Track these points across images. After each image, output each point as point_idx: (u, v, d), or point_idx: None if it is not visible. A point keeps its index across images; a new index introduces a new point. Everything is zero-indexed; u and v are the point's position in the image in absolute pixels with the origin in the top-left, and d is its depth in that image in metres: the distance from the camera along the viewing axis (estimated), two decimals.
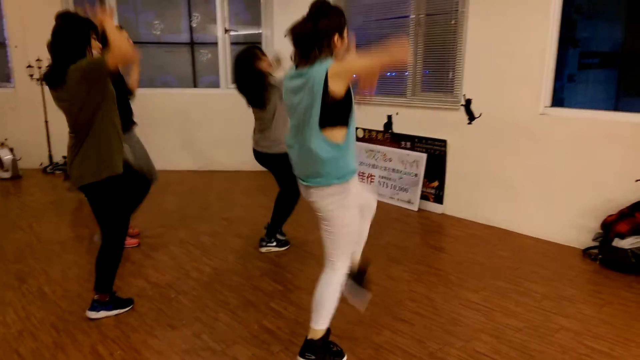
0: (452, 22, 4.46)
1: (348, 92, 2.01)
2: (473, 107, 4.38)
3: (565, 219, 3.90)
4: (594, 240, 3.66)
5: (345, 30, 2.08)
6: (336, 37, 2.04)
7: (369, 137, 5.32)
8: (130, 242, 3.80)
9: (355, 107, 2.07)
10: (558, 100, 4.13)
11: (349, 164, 2.12)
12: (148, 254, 3.76)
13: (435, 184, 4.77)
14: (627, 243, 3.34)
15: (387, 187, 5.11)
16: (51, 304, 2.98)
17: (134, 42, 6.19)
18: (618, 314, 2.86)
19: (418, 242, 4.09)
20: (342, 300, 2.99)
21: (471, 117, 4.41)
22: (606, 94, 5.37)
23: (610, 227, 3.45)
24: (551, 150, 3.92)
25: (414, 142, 4.90)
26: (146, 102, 6.40)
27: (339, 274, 2.30)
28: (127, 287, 3.20)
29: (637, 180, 3.49)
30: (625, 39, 5.00)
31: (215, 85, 6.54)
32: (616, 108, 4.90)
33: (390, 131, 5.13)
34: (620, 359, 2.44)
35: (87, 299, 2.97)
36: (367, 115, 5.26)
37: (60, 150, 6.45)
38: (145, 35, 6.75)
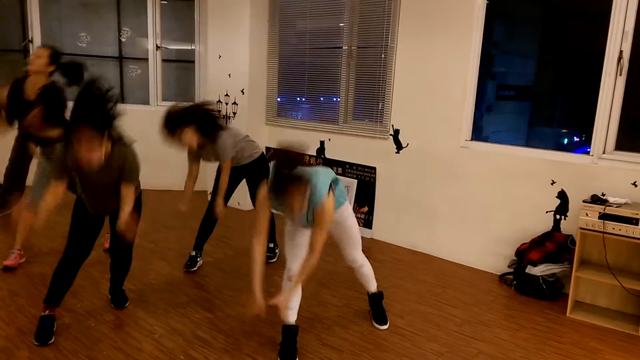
0: (382, 55, 4.66)
1: None
2: (401, 137, 4.57)
3: (483, 246, 4.14)
4: (509, 266, 3.91)
5: None
6: None
7: (303, 161, 5.36)
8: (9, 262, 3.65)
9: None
10: (477, 128, 4.41)
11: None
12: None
13: (365, 209, 4.90)
14: (538, 270, 3.59)
15: None
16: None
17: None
18: (530, 339, 3.06)
19: (347, 267, 4.16)
20: (273, 325, 2.98)
21: (399, 147, 4.60)
22: (520, 123, 5.79)
23: (523, 254, 3.70)
24: (470, 181, 4.17)
25: (346, 168, 5.02)
26: (68, 115, 6.10)
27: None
28: (40, 313, 2.99)
29: (547, 212, 3.79)
30: (537, 74, 5.43)
31: (145, 102, 6.36)
32: (529, 136, 5.30)
33: (322, 156, 5.22)
34: None
35: None
36: (301, 139, 5.31)
37: None
38: (70, 46, 6.45)
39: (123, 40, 6.53)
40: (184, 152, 3.72)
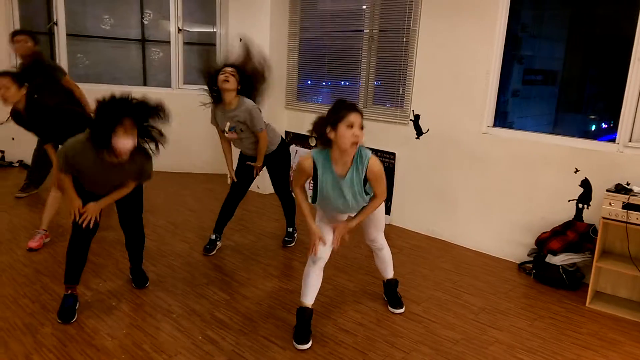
0: (404, 39, 4.58)
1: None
2: (421, 122, 4.52)
3: (503, 234, 4.09)
4: (528, 255, 3.86)
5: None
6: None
7: None
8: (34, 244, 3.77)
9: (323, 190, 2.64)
10: (502, 114, 4.33)
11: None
12: (88, 258, 3.63)
13: None
14: (558, 260, 3.54)
15: None
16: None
17: (80, 35, 6.02)
18: (548, 328, 3.03)
19: (365, 253, 4.16)
20: (289, 310, 3.02)
21: (419, 132, 4.55)
22: (547, 108, 5.66)
23: (543, 243, 3.65)
24: (491, 168, 4.11)
25: None
26: (92, 97, 6.20)
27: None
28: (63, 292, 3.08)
29: (569, 200, 3.72)
30: (566, 58, 5.30)
31: (167, 84, 6.41)
32: (555, 122, 5.19)
33: None
34: None
35: (22, 305, 2.85)
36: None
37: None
38: (94, 28, 6.52)
39: (146, 23, 6.57)
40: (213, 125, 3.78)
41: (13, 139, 6.01)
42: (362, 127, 2.44)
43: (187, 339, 2.69)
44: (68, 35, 6.12)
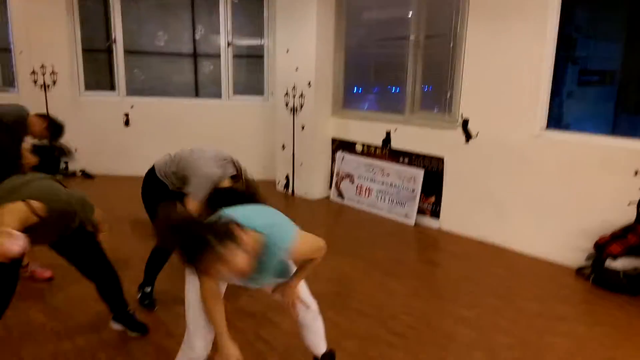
0: (451, 44, 4.56)
1: None
2: (470, 126, 4.47)
3: (559, 238, 3.97)
4: (587, 260, 3.73)
5: None
6: None
7: (367, 152, 5.40)
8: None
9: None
10: (557, 116, 4.22)
11: None
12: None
13: (432, 199, 4.84)
14: (619, 264, 3.40)
15: (384, 201, 5.18)
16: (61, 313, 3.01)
17: (136, 52, 6.29)
18: (609, 334, 2.92)
19: (414, 257, 4.15)
20: (339, 312, 3.05)
21: (468, 137, 4.49)
22: (605, 110, 5.48)
23: (603, 248, 3.52)
24: (546, 171, 4.00)
25: (412, 158, 4.98)
26: (148, 111, 6.50)
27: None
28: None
29: (629, 204, 3.57)
30: (624, 58, 5.13)
31: (217, 96, 6.62)
32: (615, 124, 5.02)
33: (388, 147, 5.21)
34: None
35: (91, 303, 3.01)
36: (366, 130, 5.35)
37: None
38: (148, 44, 6.84)
39: (197, 38, 6.83)
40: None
41: None
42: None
43: (241, 337, 2.77)
44: (125, 52, 6.45)
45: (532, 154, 4.07)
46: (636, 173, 3.53)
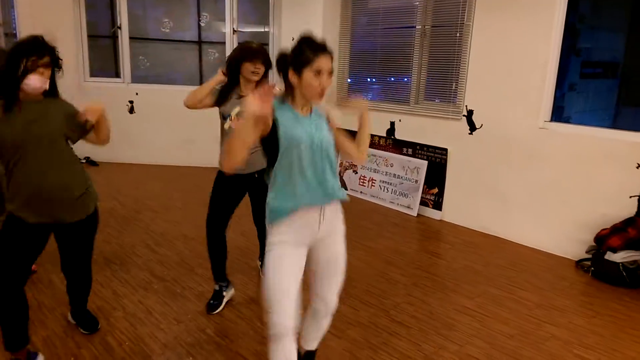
0: (457, 34, 4.56)
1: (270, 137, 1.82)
2: (474, 117, 4.49)
3: (560, 231, 4.01)
4: (587, 252, 3.77)
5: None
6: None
7: (371, 142, 5.43)
8: None
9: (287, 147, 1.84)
10: (558, 108, 4.24)
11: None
12: (153, 248, 3.86)
13: (435, 190, 4.88)
14: (619, 257, 3.45)
15: (387, 191, 5.22)
16: (61, 294, 3.07)
17: (142, 38, 6.29)
18: (607, 325, 2.97)
19: (416, 247, 4.20)
20: (343, 301, 3.10)
21: (472, 128, 4.52)
22: (607, 102, 5.47)
23: (603, 240, 3.56)
24: (549, 163, 4.03)
25: (416, 149, 5.01)
26: (152, 98, 6.51)
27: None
28: (133, 279, 3.30)
29: (631, 197, 3.61)
30: (627, 50, 5.12)
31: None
32: (616, 117, 5.02)
33: (392, 137, 5.23)
34: None
35: (95, 290, 3.07)
36: (370, 120, 5.36)
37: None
38: (153, 31, 6.84)
39: (202, 25, 6.82)
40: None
41: None
42: (331, 73, 1.89)
43: (247, 325, 2.83)
44: (131, 38, 6.45)
45: (535, 146, 4.10)
46: (638, 166, 3.56)
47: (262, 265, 3.13)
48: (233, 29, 6.42)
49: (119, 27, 6.37)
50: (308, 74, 1.82)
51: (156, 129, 6.39)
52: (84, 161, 6.59)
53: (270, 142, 1.84)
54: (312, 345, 2.30)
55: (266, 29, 6.52)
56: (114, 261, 3.60)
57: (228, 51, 6.48)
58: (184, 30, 6.94)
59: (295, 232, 1.89)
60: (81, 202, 2.35)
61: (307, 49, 1.83)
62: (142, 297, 3.08)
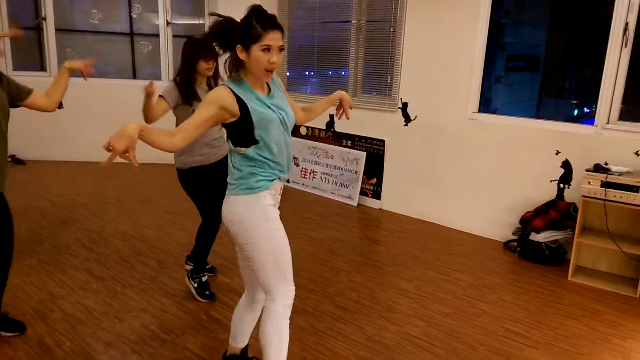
0: (391, 29, 4.72)
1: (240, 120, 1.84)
2: (409, 110, 4.67)
3: (489, 215, 4.27)
4: (513, 234, 4.04)
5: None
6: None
7: (312, 134, 5.50)
8: None
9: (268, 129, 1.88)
10: (486, 100, 4.49)
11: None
12: (90, 247, 3.74)
13: (374, 180, 5.04)
14: (541, 237, 3.73)
15: (328, 182, 5.32)
16: None
17: (69, 30, 6.00)
18: (533, 301, 3.22)
19: (357, 236, 4.32)
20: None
21: (407, 120, 4.70)
22: (530, 94, 5.82)
23: (527, 222, 3.84)
24: (477, 152, 4.27)
25: (355, 141, 5.14)
26: (83, 92, 6.24)
27: (278, 304, 1.97)
28: (70, 280, 3.19)
29: (551, 181, 3.90)
30: (548, 44, 5.46)
31: (157, 77, 6.46)
32: (539, 108, 5.35)
33: (332, 130, 5.33)
34: (534, 339, 2.77)
35: (30, 292, 2.95)
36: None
37: None
38: (81, 23, 6.54)
39: (134, 16, 6.61)
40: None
41: None
42: (282, 49, 1.84)
43: (192, 319, 2.82)
44: (57, 30, 6.14)
45: (465, 136, 4.33)
46: (557, 153, 3.85)
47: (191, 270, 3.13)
48: (167, 20, 6.27)
49: (44, 19, 6.06)
50: (256, 50, 1.79)
51: (87, 125, 6.13)
52: (9, 160, 6.22)
53: (240, 124, 1.85)
54: (243, 343, 2.27)
55: (201, 21, 6.42)
56: (49, 262, 3.46)
57: (162, 44, 6.34)
58: (114, 21, 6.69)
59: (275, 206, 2.01)
60: None
61: (257, 24, 1.79)
62: (81, 298, 3.00)
